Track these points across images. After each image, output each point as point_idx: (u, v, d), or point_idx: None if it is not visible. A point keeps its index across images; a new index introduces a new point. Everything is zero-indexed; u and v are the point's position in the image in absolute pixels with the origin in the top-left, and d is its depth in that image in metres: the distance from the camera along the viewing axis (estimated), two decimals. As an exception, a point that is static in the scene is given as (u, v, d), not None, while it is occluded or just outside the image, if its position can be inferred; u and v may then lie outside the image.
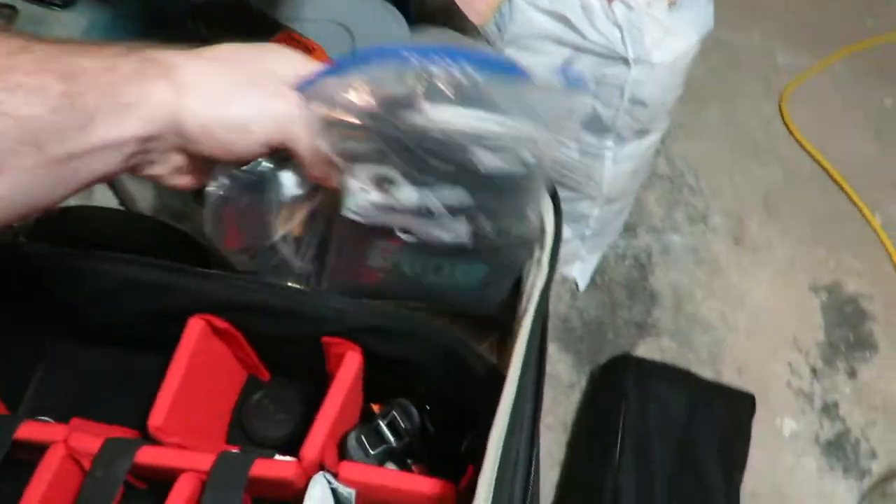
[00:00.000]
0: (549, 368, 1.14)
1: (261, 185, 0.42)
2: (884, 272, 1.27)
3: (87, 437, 0.43)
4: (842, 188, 1.35)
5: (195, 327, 0.46)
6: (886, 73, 1.51)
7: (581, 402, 1.12)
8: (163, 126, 0.37)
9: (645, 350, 1.17)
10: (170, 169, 0.41)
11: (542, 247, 0.42)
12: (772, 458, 1.09)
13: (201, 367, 0.47)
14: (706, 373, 1.14)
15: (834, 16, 1.59)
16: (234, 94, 0.38)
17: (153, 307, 0.46)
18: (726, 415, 1.00)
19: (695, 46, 0.87)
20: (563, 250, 1.19)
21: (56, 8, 0.76)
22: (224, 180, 0.42)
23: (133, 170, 0.39)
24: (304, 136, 0.39)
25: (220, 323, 0.46)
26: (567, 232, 1.16)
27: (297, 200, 0.42)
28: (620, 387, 1.01)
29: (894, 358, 1.19)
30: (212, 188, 0.42)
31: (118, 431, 0.50)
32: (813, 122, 1.43)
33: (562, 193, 1.14)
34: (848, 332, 1.22)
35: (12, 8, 0.74)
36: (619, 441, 0.95)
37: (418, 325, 0.42)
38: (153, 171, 0.40)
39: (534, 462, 0.36)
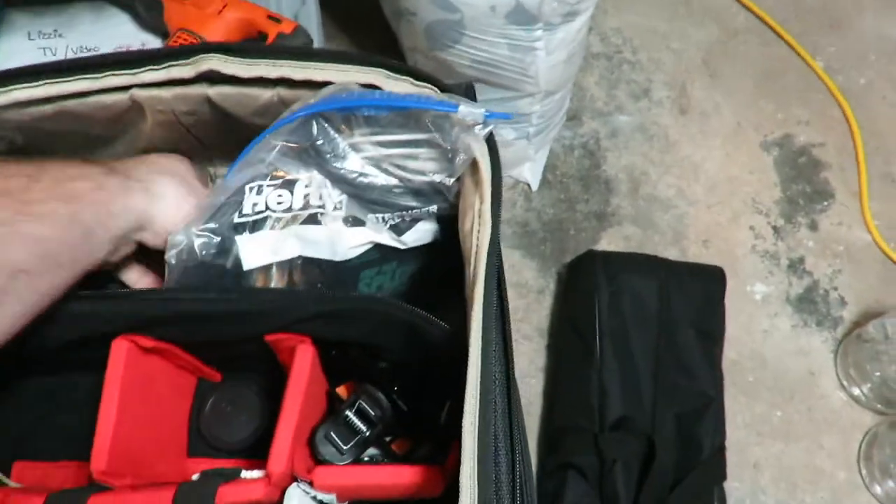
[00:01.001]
0: (516, 278, 1.11)
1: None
2: (831, 116, 1.25)
3: (27, 498, 0.38)
4: (780, 36, 1.30)
5: (120, 349, 0.40)
6: None
7: (553, 305, 1.10)
8: (135, 226, 0.45)
9: (609, 240, 1.15)
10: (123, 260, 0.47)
11: (481, 198, 0.37)
12: (747, 325, 1.09)
13: (138, 387, 0.41)
14: (672, 252, 1.13)
15: None
16: (181, 203, 0.47)
17: (74, 336, 0.40)
18: (699, 293, 0.99)
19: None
20: (510, 153, 1.14)
21: None
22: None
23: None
24: None
25: (147, 342, 0.40)
26: (511, 133, 1.10)
27: None
28: (591, 284, 0.98)
29: (851, 202, 1.19)
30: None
31: (65, 469, 0.45)
32: (743, -29, 1.36)
33: (498, 94, 1.07)
34: (804, 185, 1.20)
35: None
36: (597, 339, 0.94)
37: (362, 303, 0.38)
38: (113, 258, 0.46)
39: (517, 442, 0.33)
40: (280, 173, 0.42)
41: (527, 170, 1.18)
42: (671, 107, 1.25)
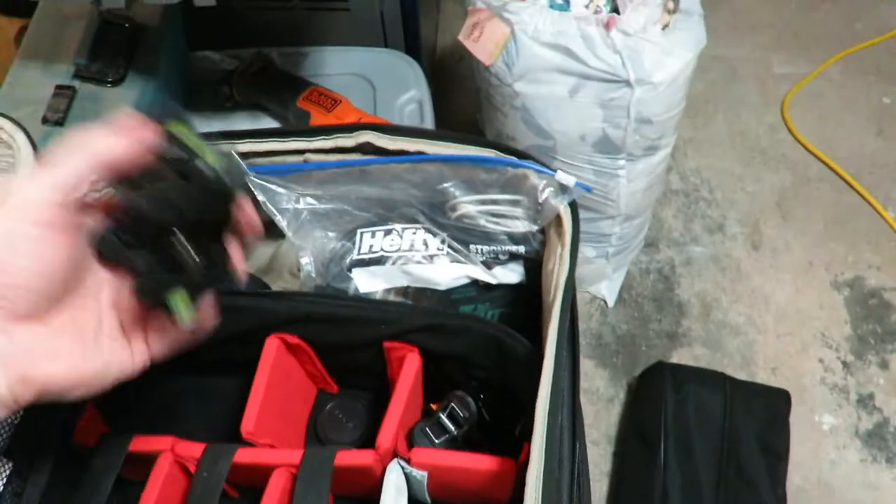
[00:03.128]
0: (587, 385, 1.19)
1: None
2: (903, 263, 1.31)
3: (192, 444, 0.49)
4: (851, 186, 1.39)
5: (272, 345, 0.52)
6: (882, 72, 1.57)
7: (621, 413, 1.15)
8: None
9: (678, 359, 1.21)
10: None
11: (563, 245, 0.48)
12: (814, 453, 1.11)
13: (279, 381, 0.52)
14: (740, 376, 1.17)
15: (823, 23, 1.66)
16: None
17: (229, 331, 0.52)
18: (763, 410, 1.03)
19: (691, 63, 0.93)
20: (589, 270, 1.25)
21: (109, 85, 0.84)
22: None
23: None
24: None
25: (293, 339, 0.52)
26: (591, 252, 1.21)
27: None
28: (658, 393, 1.04)
29: (924, 345, 1.22)
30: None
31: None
32: (816, 125, 1.48)
33: (583, 214, 1.20)
34: (875, 325, 1.24)
35: (72, 88, 0.82)
36: (661, 443, 0.99)
37: (465, 320, 0.48)
38: None
39: (578, 430, 0.41)
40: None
41: (604, 287, 1.27)
42: (744, 242, 1.34)
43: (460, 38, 0.97)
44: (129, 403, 0.56)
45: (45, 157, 0.37)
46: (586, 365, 1.21)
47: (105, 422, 0.54)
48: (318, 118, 0.94)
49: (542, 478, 0.41)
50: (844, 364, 1.20)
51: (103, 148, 0.36)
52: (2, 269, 0.34)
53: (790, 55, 1.60)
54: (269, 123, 1.00)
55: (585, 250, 1.21)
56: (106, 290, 0.40)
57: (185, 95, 1.00)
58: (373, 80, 1.01)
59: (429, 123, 0.99)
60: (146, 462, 0.49)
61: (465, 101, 1.45)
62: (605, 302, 1.27)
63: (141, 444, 0.50)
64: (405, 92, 1.00)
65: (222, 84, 1.00)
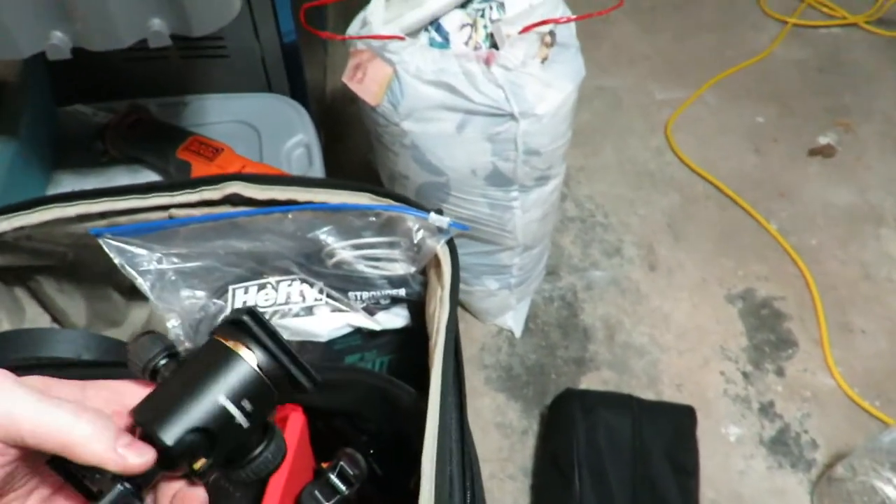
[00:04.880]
0: (500, 419, 1.18)
1: None
2: (788, 273, 1.37)
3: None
4: (736, 202, 1.46)
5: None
6: (752, 94, 1.66)
7: (536, 445, 1.15)
8: None
9: (587, 384, 1.22)
10: None
11: (442, 286, 0.46)
12: (723, 465, 1.14)
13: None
14: (648, 395, 1.19)
15: (697, 52, 1.76)
16: None
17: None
18: (671, 428, 1.05)
19: (573, 94, 0.96)
20: (494, 302, 1.25)
21: (-37, 147, 0.78)
22: None
23: None
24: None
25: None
26: (494, 284, 1.21)
27: None
28: (568, 421, 1.04)
29: (814, 350, 1.27)
30: None
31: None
32: (698, 146, 1.55)
33: (482, 248, 1.20)
34: (768, 334, 1.29)
35: (-81, 153, 0.75)
36: (576, 471, 0.99)
37: (347, 373, 0.46)
38: None
39: (470, 479, 0.40)
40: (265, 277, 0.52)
41: (510, 318, 1.27)
42: (641, 263, 1.37)
43: (344, 79, 0.96)
44: None
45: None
46: (498, 398, 1.21)
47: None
48: (199, 169, 0.90)
49: (433, 536, 0.39)
50: (744, 374, 1.24)
51: (78, 441, 0.32)
52: None
53: (669, 83, 1.68)
54: (150, 177, 0.95)
55: (488, 283, 1.21)
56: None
57: (54, 153, 0.94)
58: (257, 126, 0.99)
59: (317, 167, 0.97)
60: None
61: (359, 142, 1.44)
62: (512, 333, 1.27)
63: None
64: (291, 136, 0.98)
65: (96, 139, 0.95)
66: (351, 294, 0.51)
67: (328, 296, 0.51)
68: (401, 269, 0.50)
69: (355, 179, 0.50)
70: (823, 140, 1.58)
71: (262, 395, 0.38)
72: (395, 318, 0.52)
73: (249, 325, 0.37)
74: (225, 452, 0.38)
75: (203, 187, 0.51)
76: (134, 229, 0.49)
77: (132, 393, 0.38)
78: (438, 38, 0.96)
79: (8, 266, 0.54)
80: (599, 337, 1.28)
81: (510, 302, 1.25)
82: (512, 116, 0.92)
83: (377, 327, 0.52)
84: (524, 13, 0.94)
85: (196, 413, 0.35)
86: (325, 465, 0.50)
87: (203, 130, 0.94)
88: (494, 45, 0.96)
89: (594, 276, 1.35)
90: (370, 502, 0.49)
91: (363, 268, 0.50)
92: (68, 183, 0.95)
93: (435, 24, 0.97)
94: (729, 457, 1.15)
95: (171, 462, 0.35)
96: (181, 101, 1.01)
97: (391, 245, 0.49)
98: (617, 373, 1.23)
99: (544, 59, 0.95)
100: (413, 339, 0.54)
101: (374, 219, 0.48)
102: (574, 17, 0.95)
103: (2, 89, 0.84)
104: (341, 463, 0.47)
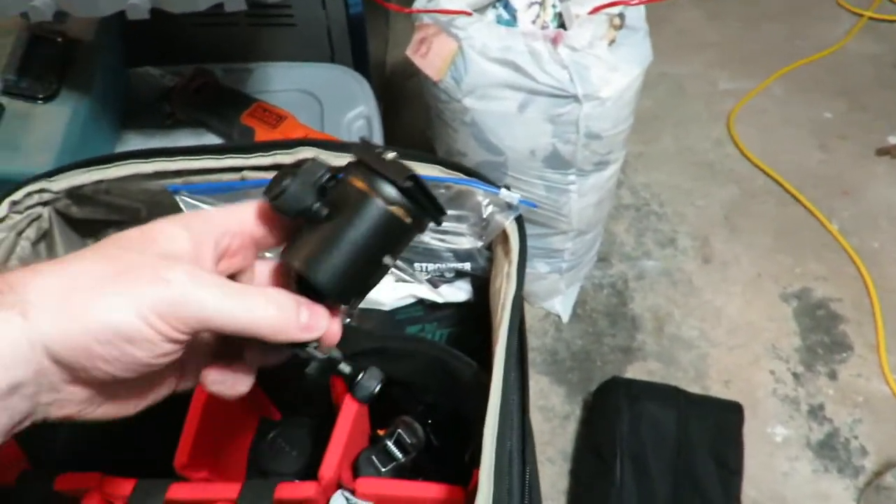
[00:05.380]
0: (543, 402, 1.17)
1: None
2: (847, 274, 1.33)
3: (120, 481, 0.46)
4: (796, 199, 1.42)
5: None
6: (821, 88, 1.61)
7: (577, 430, 1.14)
8: (23, 368, 0.30)
9: (633, 374, 1.20)
10: (78, 404, 0.33)
11: (509, 262, 0.46)
12: (767, 465, 1.12)
13: (216, 409, 0.49)
14: (694, 389, 1.17)
15: (765, 41, 1.70)
16: (95, 298, 0.31)
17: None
18: (716, 424, 1.03)
19: (638, 79, 0.94)
20: (543, 285, 1.24)
21: (39, 102, 0.80)
22: None
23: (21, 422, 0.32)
24: (212, 309, 0.32)
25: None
26: (544, 267, 1.21)
27: None
28: (613, 409, 1.04)
29: (869, 355, 1.24)
30: None
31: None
32: (760, 139, 1.51)
33: (535, 230, 1.19)
34: (823, 336, 1.26)
35: (-1, 105, 0.78)
36: (617, 460, 0.98)
37: (409, 342, 0.46)
38: (56, 413, 0.33)
39: (528, 454, 0.40)
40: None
41: (558, 302, 1.27)
42: (695, 255, 1.35)
43: (408, 53, 0.96)
44: (53, 436, 0.53)
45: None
46: (542, 382, 1.20)
47: (26, 457, 0.51)
48: (262, 135, 0.91)
49: (490, 506, 0.39)
50: (795, 375, 1.21)
51: (271, 331, 0.33)
52: (114, 361, 0.31)
53: (734, 72, 1.63)
54: (212, 140, 0.97)
55: (539, 266, 1.20)
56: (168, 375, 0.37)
57: (122, 113, 0.97)
58: (319, 97, 0.99)
59: (377, 140, 0.97)
60: (70, 502, 0.46)
61: (415, 118, 1.44)
62: (560, 318, 1.26)
63: (66, 482, 0.47)
64: (353, 108, 0.98)
65: (162, 101, 0.97)
66: (416, 265, 0.51)
67: (394, 266, 0.51)
68: (467, 243, 0.50)
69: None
70: (893, 139, 1.53)
71: (406, 242, 0.38)
72: (458, 292, 0.52)
73: (413, 191, 0.36)
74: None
75: (276, 151, 0.51)
76: (209, 188, 0.50)
77: (242, 217, 0.38)
78: (506, 16, 0.95)
79: (84, 218, 0.56)
80: (648, 327, 1.26)
81: (559, 286, 1.24)
82: (575, 98, 0.91)
83: (440, 300, 0.52)
84: (595, -7, 0.92)
85: (363, 272, 0.36)
86: (380, 433, 0.50)
87: (266, 97, 0.95)
88: (562, 25, 0.95)
89: (646, 266, 1.34)
90: (423, 472, 0.50)
91: (429, 240, 0.50)
92: (135, 143, 0.97)
93: (503, 1, 0.96)
94: (773, 457, 1.13)
95: (330, 304, 0.37)
96: (246, 68, 1.02)
97: (459, 219, 0.49)
98: (664, 364, 1.22)
99: (611, 42, 0.93)
100: (473, 315, 0.54)
101: (443, 191, 0.48)
102: (645, -1, 0.93)
103: (77, 48, 0.86)
104: (399, 430, 0.47)
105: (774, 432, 1.16)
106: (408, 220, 0.36)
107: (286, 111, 0.92)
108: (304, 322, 0.35)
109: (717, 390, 1.19)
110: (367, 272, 0.37)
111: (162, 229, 0.35)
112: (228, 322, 0.32)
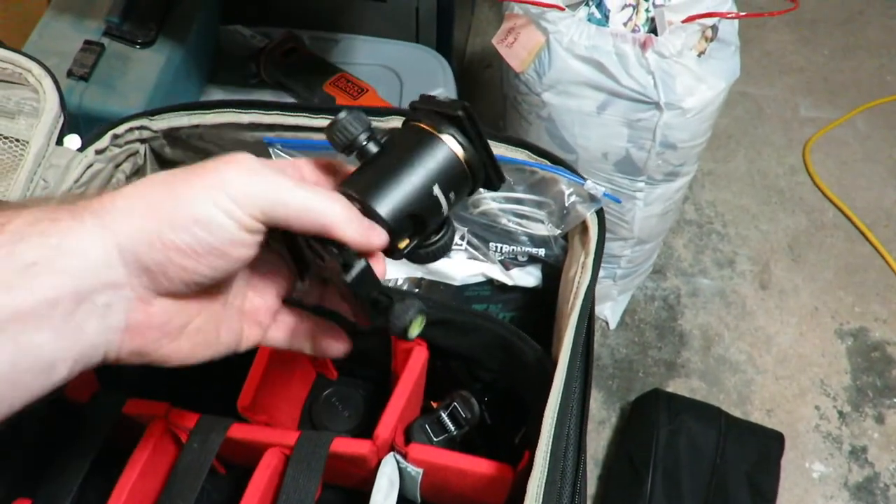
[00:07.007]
0: (579, 404, 1.17)
1: None
2: (909, 320, 1.30)
3: (185, 414, 0.48)
4: (866, 237, 1.38)
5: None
6: (908, 127, 1.56)
7: (612, 438, 1.14)
8: (94, 274, 0.30)
9: (674, 389, 1.19)
10: (152, 330, 0.34)
11: (587, 252, 0.47)
12: (801, 500, 1.10)
13: (280, 359, 0.51)
14: (735, 413, 1.16)
15: (855, 72, 1.65)
16: (167, 192, 0.32)
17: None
18: (756, 451, 1.02)
19: (723, 93, 0.93)
20: (596, 288, 1.23)
21: (138, 46, 0.83)
22: None
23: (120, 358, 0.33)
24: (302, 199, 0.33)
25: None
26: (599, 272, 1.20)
27: None
28: (651, 420, 1.03)
29: (922, 404, 1.20)
30: None
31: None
32: (836, 172, 1.47)
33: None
34: (875, 378, 1.23)
35: (101, 45, 0.81)
36: (650, 471, 0.97)
37: (476, 318, 0.47)
38: (129, 344, 0.33)
39: (583, 445, 0.40)
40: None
41: (608, 308, 1.26)
42: (752, 280, 1.33)
43: (494, 41, 0.97)
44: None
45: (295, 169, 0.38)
46: (581, 385, 1.20)
47: (98, 379, 0.53)
48: (343, 104, 0.93)
49: (543, 487, 0.39)
50: (840, 414, 1.19)
51: (336, 222, 0.34)
52: (190, 253, 0.31)
53: (818, 100, 1.59)
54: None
55: (593, 270, 1.20)
56: (247, 289, 0.40)
57: (211, 68, 0.99)
58: (401, 74, 1.01)
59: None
60: (136, 426, 0.48)
61: (488, 108, 1.44)
62: (607, 324, 1.26)
63: (135, 406, 0.49)
64: (433, 88, 0.99)
65: (250, 61, 0.99)
66: (491, 245, 0.52)
67: (469, 243, 0.52)
68: (545, 229, 0.50)
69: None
70: (975, 189, 1.48)
71: (463, 185, 0.39)
72: (528, 277, 0.53)
73: (463, 120, 0.37)
74: (423, 233, 0.39)
75: (371, 117, 0.52)
76: (302, 144, 0.51)
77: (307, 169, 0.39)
78: (598, 15, 0.95)
79: (175, 160, 0.58)
80: (695, 345, 1.25)
81: (611, 292, 1.23)
82: (657, 105, 0.90)
83: (510, 282, 0.53)
84: (691, 2, 0.91)
85: (412, 198, 0.37)
86: (434, 405, 0.51)
87: (350, 69, 0.97)
88: (653, 31, 0.94)
89: (701, 284, 1.32)
90: (472, 448, 0.51)
91: (507, 222, 0.51)
92: (218, 98, 0.99)
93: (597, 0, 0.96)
94: (808, 493, 1.11)
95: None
96: (333, 38, 1.04)
97: (539, 205, 0.49)
98: (707, 384, 1.21)
99: (701, 53, 0.92)
100: (539, 301, 0.54)
101: (527, 175, 0.49)
102: (742, 13, 0.92)
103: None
104: (455, 403, 0.48)
105: (812, 468, 1.13)
106: (456, 148, 0.37)
107: (368, 84, 0.94)
108: (368, 223, 0.35)
109: (758, 417, 1.17)
110: (417, 200, 0.37)
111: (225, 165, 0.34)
112: (300, 209, 0.33)
